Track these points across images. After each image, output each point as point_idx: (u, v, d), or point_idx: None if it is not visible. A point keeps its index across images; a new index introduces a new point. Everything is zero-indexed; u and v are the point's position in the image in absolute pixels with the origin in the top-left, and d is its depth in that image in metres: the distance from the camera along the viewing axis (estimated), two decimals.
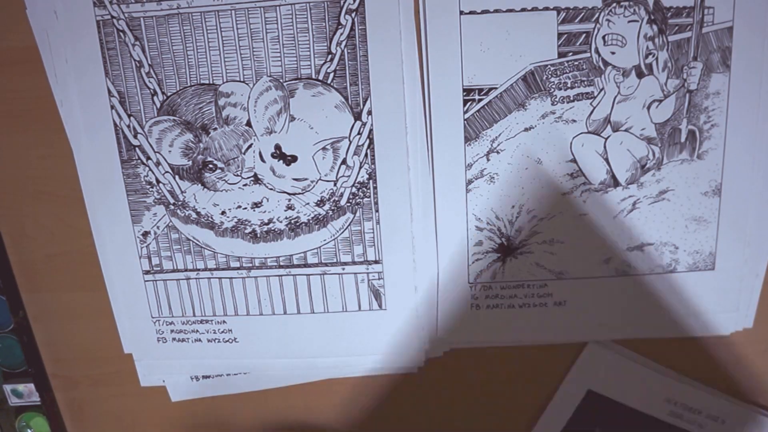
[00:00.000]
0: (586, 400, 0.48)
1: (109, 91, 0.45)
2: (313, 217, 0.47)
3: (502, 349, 0.50)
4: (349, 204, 0.46)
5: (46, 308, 0.52)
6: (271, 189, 0.46)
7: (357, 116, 0.44)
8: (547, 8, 0.42)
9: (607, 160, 0.44)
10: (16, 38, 0.46)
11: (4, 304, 0.51)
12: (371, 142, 0.45)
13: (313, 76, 0.44)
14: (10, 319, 0.51)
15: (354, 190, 0.46)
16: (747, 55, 0.42)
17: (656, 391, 0.48)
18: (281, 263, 0.48)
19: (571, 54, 0.43)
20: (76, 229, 0.50)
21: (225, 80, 0.44)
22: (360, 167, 0.45)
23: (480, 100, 0.44)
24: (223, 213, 0.47)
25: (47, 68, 0.46)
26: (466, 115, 0.44)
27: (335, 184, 0.46)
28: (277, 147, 0.45)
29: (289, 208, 0.47)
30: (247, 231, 0.48)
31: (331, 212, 0.47)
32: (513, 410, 0.51)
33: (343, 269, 0.48)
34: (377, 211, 0.46)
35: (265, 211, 0.47)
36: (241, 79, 0.44)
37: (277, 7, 0.43)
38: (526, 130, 0.44)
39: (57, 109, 0.46)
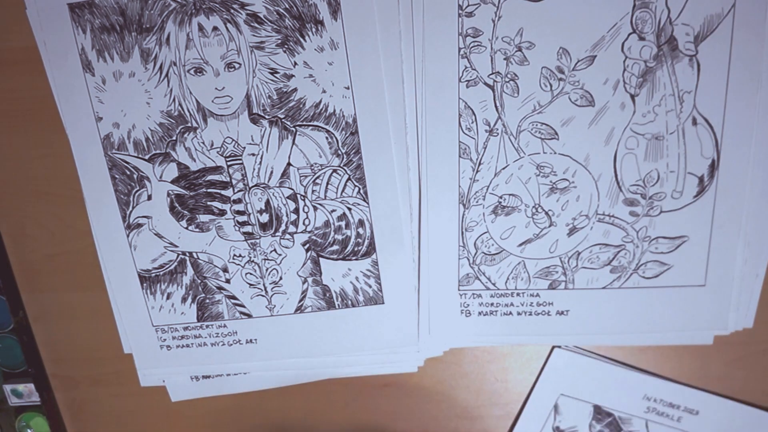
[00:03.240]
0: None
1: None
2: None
3: (503, 349, 0.50)
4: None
5: (46, 308, 0.52)
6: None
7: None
8: None
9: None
10: (16, 38, 0.46)
11: (4, 304, 0.51)
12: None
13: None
14: (10, 319, 0.51)
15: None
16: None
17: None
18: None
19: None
20: (76, 229, 0.50)
21: None
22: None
23: None
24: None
25: (47, 68, 0.46)
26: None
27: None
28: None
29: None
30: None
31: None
32: (513, 410, 0.51)
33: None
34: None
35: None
36: None
37: None
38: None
39: (57, 109, 0.47)
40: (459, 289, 0.47)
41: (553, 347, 0.49)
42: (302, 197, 0.47)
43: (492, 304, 0.47)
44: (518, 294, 0.47)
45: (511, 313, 0.47)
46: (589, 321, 0.47)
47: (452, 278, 0.47)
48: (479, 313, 0.47)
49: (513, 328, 0.48)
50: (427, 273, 0.47)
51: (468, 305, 0.47)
